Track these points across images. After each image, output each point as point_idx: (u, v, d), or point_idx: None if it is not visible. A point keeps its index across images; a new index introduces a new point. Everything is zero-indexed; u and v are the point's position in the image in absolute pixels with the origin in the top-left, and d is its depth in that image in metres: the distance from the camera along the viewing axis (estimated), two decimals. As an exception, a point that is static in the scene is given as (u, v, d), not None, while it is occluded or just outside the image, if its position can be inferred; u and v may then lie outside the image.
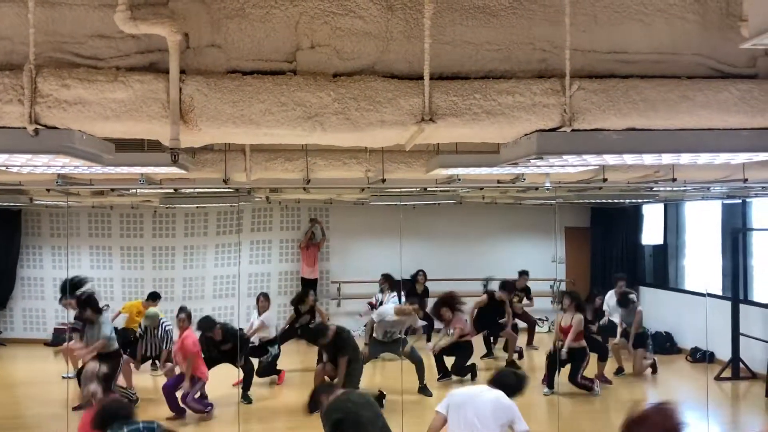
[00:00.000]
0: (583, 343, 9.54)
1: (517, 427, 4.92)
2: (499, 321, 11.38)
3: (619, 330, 11.08)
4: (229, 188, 7.13)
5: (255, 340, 10.08)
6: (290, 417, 8.81)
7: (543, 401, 9.43)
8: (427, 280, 13.00)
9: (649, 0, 3.05)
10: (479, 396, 5.04)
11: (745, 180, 6.26)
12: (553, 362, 9.45)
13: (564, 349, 9.32)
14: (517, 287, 12.27)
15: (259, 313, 10.32)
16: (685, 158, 3.37)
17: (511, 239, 14.34)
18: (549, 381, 9.65)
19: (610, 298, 11.62)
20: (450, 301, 10.24)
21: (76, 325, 9.58)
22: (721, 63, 3.14)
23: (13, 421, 8.86)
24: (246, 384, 9.28)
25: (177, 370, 8.86)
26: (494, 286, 11.93)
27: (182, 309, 9.14)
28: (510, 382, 5.29)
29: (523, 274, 12.52)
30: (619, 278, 11.80)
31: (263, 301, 10.43)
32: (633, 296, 11.18)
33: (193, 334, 8.78)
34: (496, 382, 5.23)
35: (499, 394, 5.04)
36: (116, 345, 8.71)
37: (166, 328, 9.90)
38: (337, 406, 5.17)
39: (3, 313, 13.54)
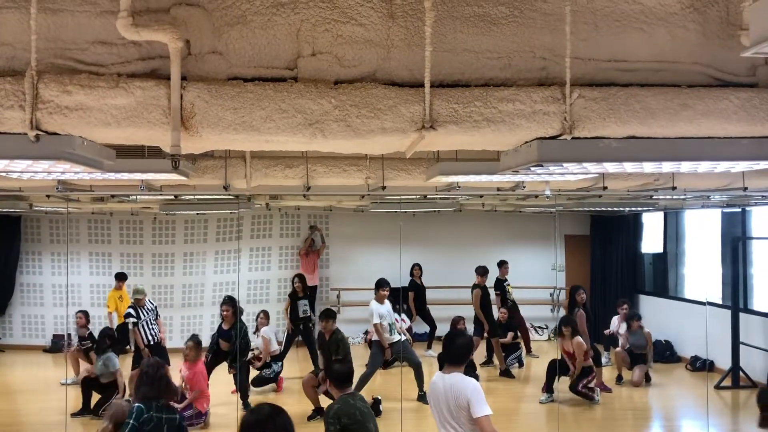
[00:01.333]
0: (590, 362, 9.61)
1: (472, 411, 4.30)
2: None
3: (621, 341, 11.07)
4: (229, 195, 7.14)
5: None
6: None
7: (542, 409, 9.41)
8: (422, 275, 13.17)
9: (650, 9, 3.06)
10: (440, 382, 4.54)
11: (745, 188, 6.26)
12: (554, 369, 9.45)
13: (576, 373, 9.49)
14: (501, 278, 12.31)
15: (257, 330, 10.38)
16: (686, 166, 3.37)
17: (511, 247, 14.33)
18: (548, 387, 9.62)
19: (615, 325, 11.59)
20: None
21: (82, 345, 10.09)
22: (721, 72, 3.14)
23: (12, 428, 8.83)
24: (243, 393, 9.23)
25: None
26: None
27: (193, 337, 9.07)
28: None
29: (504, 264, 12.52)
30: (621, 303, 11.78)
31: (263, 318, 10.53)
32: (640, 321, 11.14)
33: (203, 367, 8.73)
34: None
35: (457, 377, 4.48)
36: (115, 376, 9.03)
37: (154, 305, 10.05)
38: (346, 411, 5.06)
39: (2, 320, 13.51)
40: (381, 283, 9.84)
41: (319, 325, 9.13)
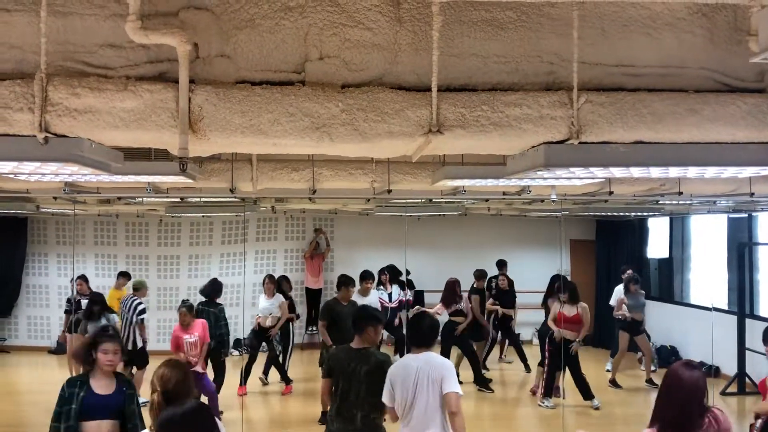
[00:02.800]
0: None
1: (444, 386, 4.43)
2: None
3: (620, 309, 10.96)
4: (235, 198, 7.15)
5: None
6: (291, 426, 8.79)
7: (541, 412, 9.37)
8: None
9: (657, 14, 3.07)
10: (413, 362, 4.60)
11: (752, 194, 6.24)
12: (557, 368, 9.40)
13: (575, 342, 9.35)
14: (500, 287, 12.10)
15: (267, 295, 10.20)
16: (693, 171, 3.38)
17: (516, 251, 14.30)
18: (547, 389, 9.51)
19: (620, 293, 11.46)
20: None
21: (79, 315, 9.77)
22: (728, 77, 3.14)
23: (17, 429, 8.85)
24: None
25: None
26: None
27: (184, 302, 9.01)
28: None
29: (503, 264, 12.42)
30: (625, 269, 11.79)
31: (269, 283, 10.27)
32: (638, 285, 11.06)
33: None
34: None
35: (431, 354, 4.63)
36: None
37: (138, 307, 9.76)
38: (335, 355, 5.19)
39: (8, 321, 13.56)
40: (364, 276, 9.73)
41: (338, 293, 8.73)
